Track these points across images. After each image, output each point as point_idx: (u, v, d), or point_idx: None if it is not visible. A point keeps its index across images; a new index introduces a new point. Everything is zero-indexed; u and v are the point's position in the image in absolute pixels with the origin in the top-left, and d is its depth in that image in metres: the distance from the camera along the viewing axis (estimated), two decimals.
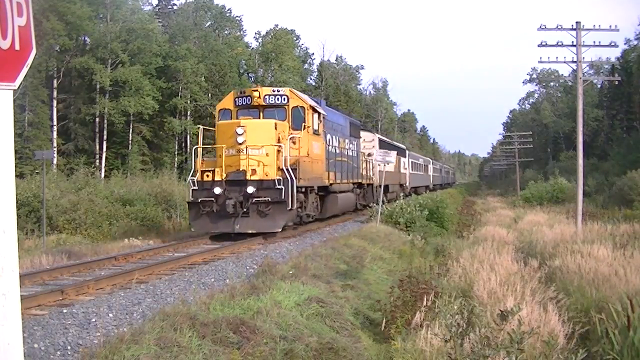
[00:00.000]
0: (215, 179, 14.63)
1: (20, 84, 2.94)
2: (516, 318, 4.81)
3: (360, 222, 21.26)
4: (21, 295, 2.85)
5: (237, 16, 67.43)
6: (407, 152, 42.70)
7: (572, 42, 20.71)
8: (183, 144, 50.12)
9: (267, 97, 16.39)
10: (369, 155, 26.77)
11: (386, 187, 28.96)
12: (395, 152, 28.44)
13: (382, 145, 31.23)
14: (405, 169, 39.09)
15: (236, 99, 16.75)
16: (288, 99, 16.46)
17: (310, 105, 17.00)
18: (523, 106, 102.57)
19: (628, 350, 6.09)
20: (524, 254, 12.85)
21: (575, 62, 20.80)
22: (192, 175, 14.96)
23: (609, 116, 64.27)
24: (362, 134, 27.95)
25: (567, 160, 59.21)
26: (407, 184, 40.05)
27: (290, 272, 9.33)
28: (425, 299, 7.04)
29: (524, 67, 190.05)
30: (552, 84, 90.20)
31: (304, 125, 16.39)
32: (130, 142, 45.75)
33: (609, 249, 11.66)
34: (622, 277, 8.94)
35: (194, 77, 48.54)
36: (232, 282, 9.53)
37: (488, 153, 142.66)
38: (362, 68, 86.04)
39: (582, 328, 6.88)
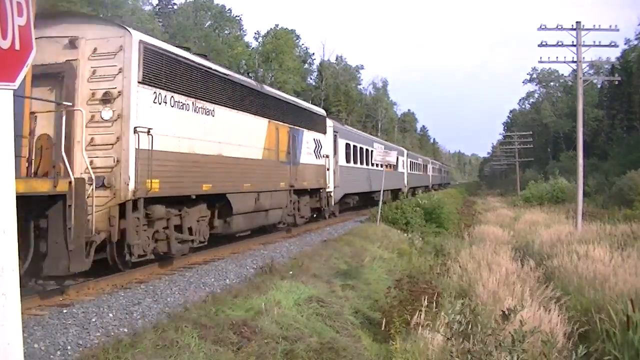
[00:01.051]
0: None
1: (20, 83, 2.93)
2: (518, 318, 4.84)
3: (360, 222, 21.26)
4: (21, 295, 2.85)
5: (237, 16, 67.57)
6: (332, 125, 21.84)
7: (572, 42, 20.76)
8: None
9: None
10: (106, 99, 9.03)
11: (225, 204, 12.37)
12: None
13: (150, 66, 9.53)
14: (326, 156, 19.98)
15: None
16: None
17: None
18: (523, 106, 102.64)
19: (627, 350, 6.10)
20: (521, 253, 12.88)
21: (575, 62, 20.85)
22: None
23: (609, 116, 64.24)
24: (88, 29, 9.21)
25: (567, 160, 59.17)
26: (332, 188, 20.81)
27: (290, 272, 9.34)
28: (424, 299, 7.04)
29: (524, 67, 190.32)
30: (552, 84, 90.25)
31: None
32: None
33: (607, 249, 11.68)
34: (621, 277, 8.96)
35: None
36: (233, 282, 9.56)
37: (488, 153, 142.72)
38: (362, 68, 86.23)
39: (582, 327, 6.90)
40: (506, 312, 5.00)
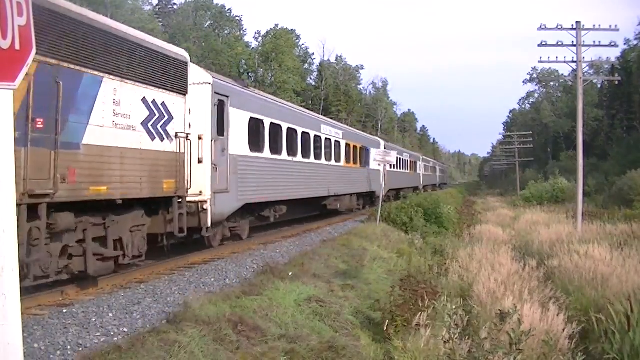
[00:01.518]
0: None
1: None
2: (515, 318, 4.83)
3: (360, 222, 21.26)
4: (21, 295, 2.86)
5: (237, 16, 67.64)
6: (211, 82, 11.78)
7: (572, 42, 20.76)
8: None
9: None
10: None
11: None
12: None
13: None
14: (198, 137, 11.23)
15: None
16: None
17: None
18: (523, 106, 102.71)
19: (627, 350, 6.10)
20: (521, 253, 12.89)
21: (575, 62, 20.84)
22: None
23: (609, 116, 64.26)
24: None
25: (567, 160, 59.20)
26: (208, 194, 11.34)
27: (290, 273, 9.33)
28: (427, 299, 7.05)
29: (524, 67, 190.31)
30: (552, 83, 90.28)
31: None
32: None
33: (607, 249, 11.70)
34: (620, 277, 8.97)
35: None
36: (232, 282, 9.57)
37: (488, 153, 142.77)
38: (362, 68, 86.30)
39: (583, 328, 6.90)
40: (503, 314, 4.98)
